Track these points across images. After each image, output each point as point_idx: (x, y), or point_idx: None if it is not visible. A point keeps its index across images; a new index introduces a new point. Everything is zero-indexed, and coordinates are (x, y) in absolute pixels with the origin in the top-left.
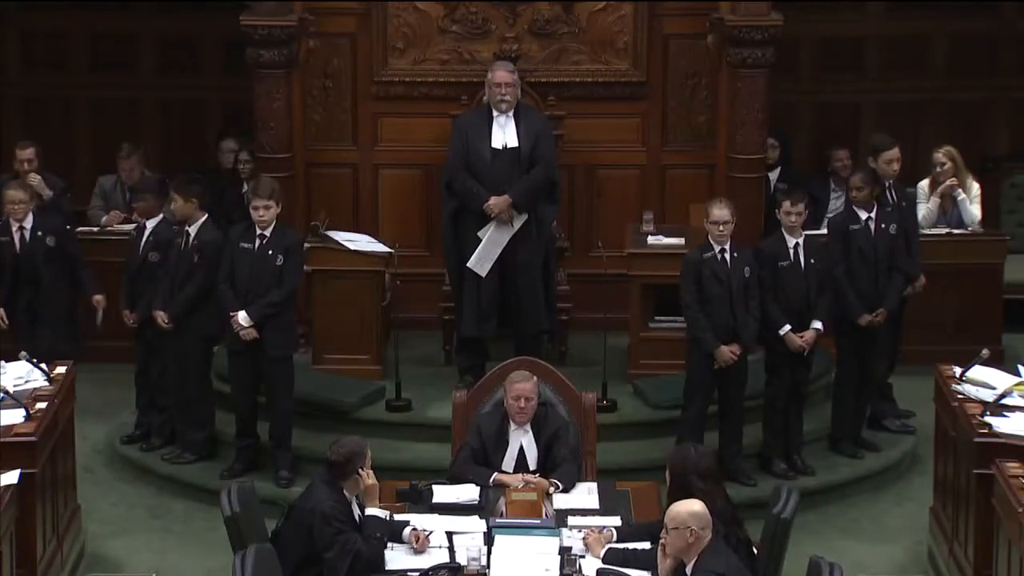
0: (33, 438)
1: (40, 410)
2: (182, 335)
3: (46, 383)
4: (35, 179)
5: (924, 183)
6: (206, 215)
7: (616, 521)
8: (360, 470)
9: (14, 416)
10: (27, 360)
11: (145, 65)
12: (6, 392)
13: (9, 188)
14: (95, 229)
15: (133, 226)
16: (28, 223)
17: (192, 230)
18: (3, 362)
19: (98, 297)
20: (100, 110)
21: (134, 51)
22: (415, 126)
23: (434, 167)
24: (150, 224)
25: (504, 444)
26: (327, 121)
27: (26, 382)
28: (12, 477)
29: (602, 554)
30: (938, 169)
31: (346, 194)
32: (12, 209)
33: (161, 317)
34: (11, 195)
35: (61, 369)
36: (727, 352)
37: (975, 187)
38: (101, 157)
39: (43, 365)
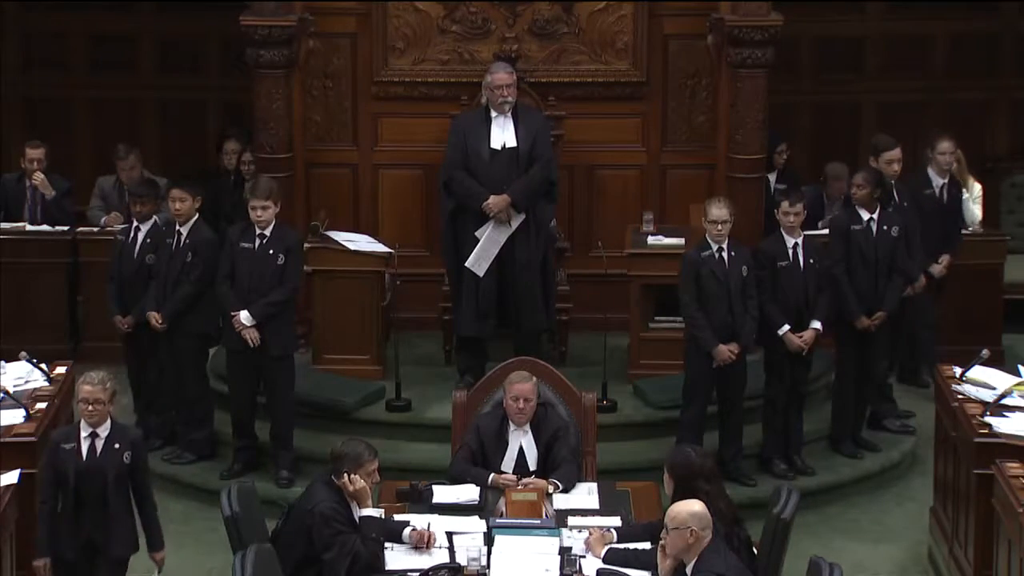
0: (33, 438)
1: (40, 410)
2: (177, 335)
3: (46, 383)
4: (39, 178)
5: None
6: (198, 214)
7: (616, 521)
8: (349, 475)
9: (14, 416)
10: (27, 360)
11: (145, 65)
12: (6, 392)
13: (86, 382)
14: (95, 229)
15: (120, 228)
16: (104, 430)
17: (184, 230)
18: (3, 362)
19: (160, 555)
20: (100, 110)
21: (134, 51)
22: (415, 126)
23: (434, 167)
24: (144, 227)
25: (503, 445)
26: (327, 121)
27: (26, 382)
28: (12, 477)
29: (602, 554)
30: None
31: (346, 194)
32: (87, 411)
33: (155, 318)
34: (87, 391)
35: (61, 369)
36: (725, 351)
37: (977, 187)
38: (101, 157)
39: (43, 365)
